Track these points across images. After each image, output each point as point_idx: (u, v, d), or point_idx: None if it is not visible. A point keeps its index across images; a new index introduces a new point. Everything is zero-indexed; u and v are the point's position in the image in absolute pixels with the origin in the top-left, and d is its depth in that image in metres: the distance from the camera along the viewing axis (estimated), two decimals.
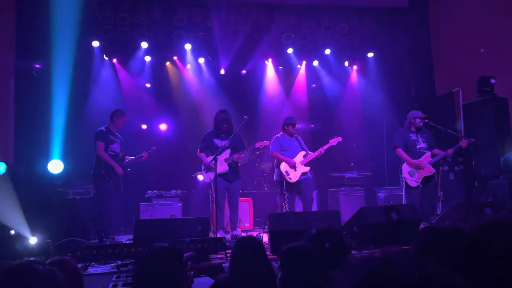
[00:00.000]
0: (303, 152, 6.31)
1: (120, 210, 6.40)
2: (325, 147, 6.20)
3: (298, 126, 6.43)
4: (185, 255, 1.98)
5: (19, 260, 1.55)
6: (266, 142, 6.24)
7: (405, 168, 6.12)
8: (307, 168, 6.25)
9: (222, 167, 6.09)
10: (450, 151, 5.98)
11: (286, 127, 6.37)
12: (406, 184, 6.12)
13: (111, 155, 6.17)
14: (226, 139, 6.16)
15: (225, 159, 6.12)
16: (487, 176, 6.99)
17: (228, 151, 6.18)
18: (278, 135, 6.43)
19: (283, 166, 6.20)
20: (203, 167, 6.30)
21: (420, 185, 6.00)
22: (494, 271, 1.34)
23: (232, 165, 6.19)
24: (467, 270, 1.30)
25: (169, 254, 1.87)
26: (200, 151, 6.29)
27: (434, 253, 1.38)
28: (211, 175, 6.09)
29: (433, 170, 6.03)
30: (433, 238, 1.43)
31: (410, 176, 6.06)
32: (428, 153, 6.08)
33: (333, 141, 6.24)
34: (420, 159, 6.02)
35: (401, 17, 8.69)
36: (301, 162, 6.21)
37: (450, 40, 8.45)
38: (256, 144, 6.18)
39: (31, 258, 1.77)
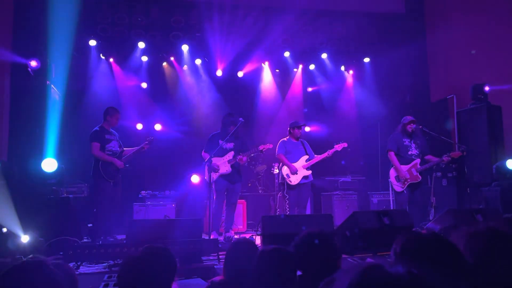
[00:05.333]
0: (306, 156, 6.42)
1: (121, 207, 6.31)
2: (330, 151, 6.28)
3: (305, 129, 6.52)
4: None
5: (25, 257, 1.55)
6: (270, 145, 6.29)
7: (393, 172, 6.19)
8: (309, 172, 6.39)
9: (225, 168, 6.17)
10: (445, 158, 6.03)
11: (292, 131, 6.47)
12: (393, 188, 6.21)
13: (109, 155, 6.05)
14: (231, 141, 6.24)
15: (228, 161, 6.19)
16: (480, 183, 7.05)
17: (232, 153, 6.24)
18: (285, 138, 6.55)
19: (285, 169, 6.29)
20: (205, 167, 6.31)
21: (405, 191, 6.07)
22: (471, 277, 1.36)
23: (235, 166, 6.26)
24: (440, 274, 1.32)
25: (160, 255, 1.84)
26: (205, 151, 6.34)
27: (410, 256, 1.40)
28: (214, 176, 6.13)
29: (419, 178, 6.07)
30: (410, 242, 1.45)
31: (396, 181, 6.14)
32: (417, 161, 6.12)
33: (338, 147, 6.36)
34: (407, 167, 6.07)
35: (398, 23, 8.76)
36: (303, 166, 6.35)
37: (446, 47, 8.52)
38: (260, 147, 6.23)
39: (39, 256, 1.76)
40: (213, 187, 6.14)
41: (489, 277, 1.46)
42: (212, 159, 6.16)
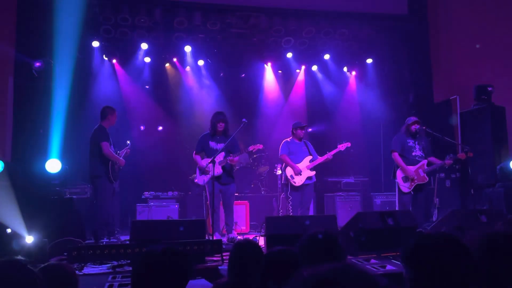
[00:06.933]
0: (310, 157, 6.39)
1: (118, 208, 6.30)
2: (333, 152, 6.30)
3: (308, 130, 6.49)
4: None
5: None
6: (260, 146, 6.26)
7: (399, 173, 6.15)
8: (313, 173, 6.36)
9: (216, 170, 6.07)
10: (448, 161, 6.02)
11: (294, 131, 6.46)
12: (399, 189, 6.17)
13: None
14: (221, 142, 6.14)
15: (219, 162, 6.07)
16: (483, 184, 7.03)
17: (223, 153, 6.10)
18: (288, 139, 6.53)
19: (289, 170, 6.27)
20: (197, 169, 6.30)
21: (412, 192, 6.05)
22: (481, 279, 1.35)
23: (226, 168, 6.18)
24: (453, 276, 1.31)
25: (176, 256, 1.84)
26: (195, 153, 6.28)
27: (422, 257, 1.39)
28: (205, 178, 6.09)
29: (426, 179, 6.06)
30: (421, 243, 1.44)
31: (404, 182, 6.10)
32: (425, 162, 6.10)
33: (341, 146, 6.33)
34: (414, 167, 6.05)
35: (400, 24, 8.74)
36: (307, 167, 6.31)
37: (449, 47, 8.51)
38: (250, 148, 6.19)
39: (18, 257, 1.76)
40: (207, 189, 6.11)
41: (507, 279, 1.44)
42: (203, 160, 6.14)
